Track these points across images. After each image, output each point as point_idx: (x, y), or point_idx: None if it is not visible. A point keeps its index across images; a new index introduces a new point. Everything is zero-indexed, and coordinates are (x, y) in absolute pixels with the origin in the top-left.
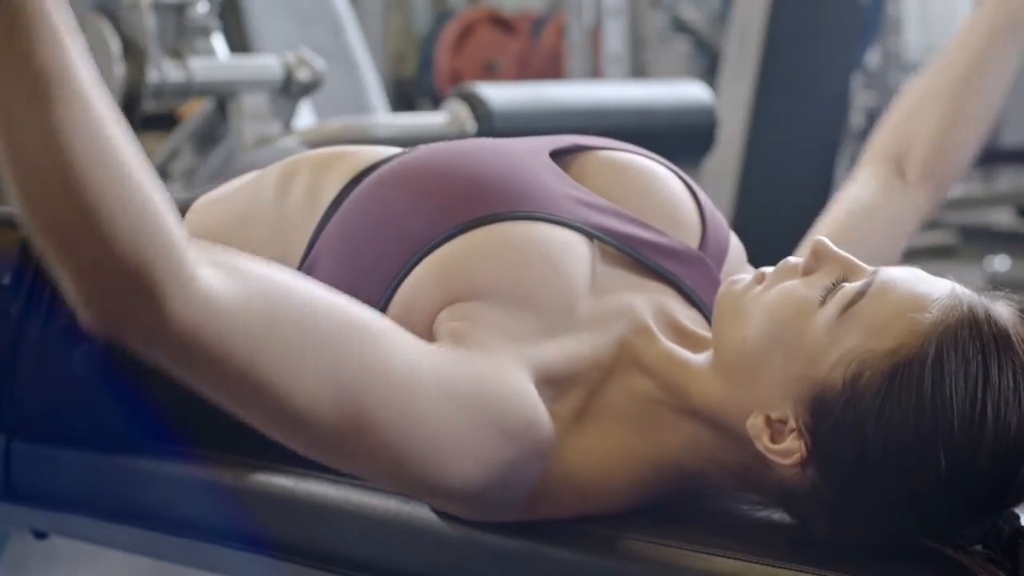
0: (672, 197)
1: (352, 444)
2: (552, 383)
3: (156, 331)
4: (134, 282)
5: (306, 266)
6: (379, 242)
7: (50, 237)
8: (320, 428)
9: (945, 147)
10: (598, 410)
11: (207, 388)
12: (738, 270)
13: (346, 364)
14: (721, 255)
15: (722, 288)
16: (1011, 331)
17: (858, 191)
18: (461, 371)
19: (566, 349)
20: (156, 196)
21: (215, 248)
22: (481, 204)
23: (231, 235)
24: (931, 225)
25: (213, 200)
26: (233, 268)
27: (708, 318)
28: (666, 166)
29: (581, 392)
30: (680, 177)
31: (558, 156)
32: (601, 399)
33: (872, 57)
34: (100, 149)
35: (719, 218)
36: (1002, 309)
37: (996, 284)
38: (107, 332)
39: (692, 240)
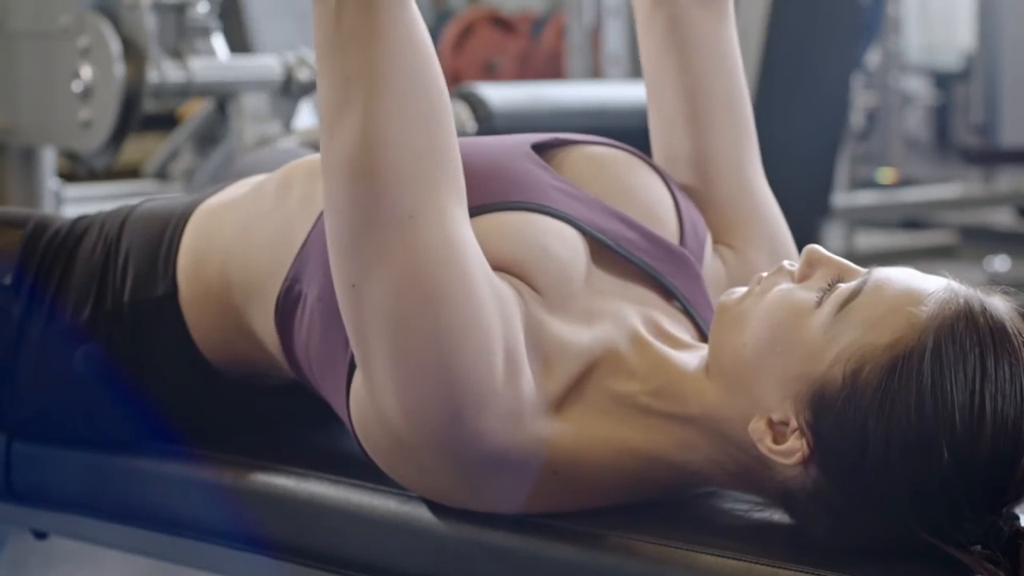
0: (652, 191)
1: (387, 239)
2: (540, 356)
3: None
4: None
5: (298, 261)
6: None
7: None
8: (380, 194)
9: None
10: (576, 401)
11: (334, 48)
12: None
13: (435, 173)
14: (700, 248)
15: (721, 299)
16: (1007, 323)
17: (664, 59)
18: (493, 276)
19: (556, 331)
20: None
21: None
22: (477, 195)
23: (238, 243)
24: (931, 225)
25: (219, 205)
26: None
27: (691, 315)
28: (644, 160)
29: (564, 379)
30: (657, 171)
31: (539, 150)
32: (582, 393)
33: (872, 57)
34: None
35: (695, 212)
36: (998, 302)
37: (996, 284)
38: None
39: (671, 234)
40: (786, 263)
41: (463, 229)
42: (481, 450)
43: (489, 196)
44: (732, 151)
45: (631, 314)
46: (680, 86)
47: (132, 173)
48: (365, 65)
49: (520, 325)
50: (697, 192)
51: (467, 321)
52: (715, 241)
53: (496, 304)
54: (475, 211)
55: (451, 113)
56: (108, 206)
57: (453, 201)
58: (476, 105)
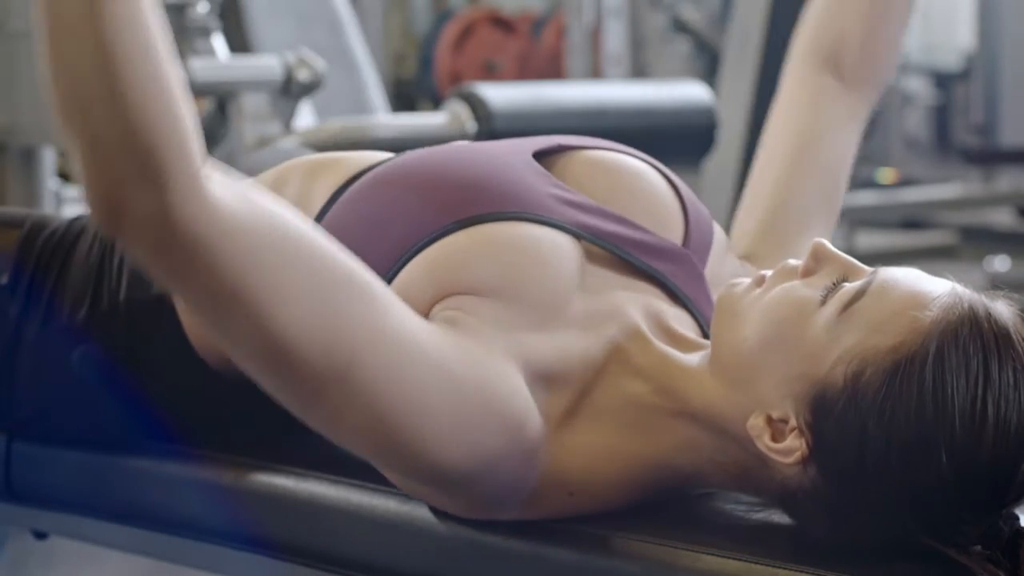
0: (655, 194)
1: (335, 398)
2: (542, 379)
3: (155, 217)
4: (143, 161)
5: None
6: (368, 243)
7: (71, 100)
8: (305, 371)
9: (878, 39)
10: (589, 411)
11: (192, 295)
12: (723, 261)
13: (343, 312)
14: (705, 249)
15: (722, 291)
16: (1011, 329)
17: (799, 113)
18: (455, 349)
19: (556, 346)
20: (181, 95)
21: (229, 172)
22: (468, 205)
23: None
24: (931, 225)
25: None
26: (244, 189)
27: (694, 314)
28: (648, 162)
29: (571, 391)
30: (662, 173)
31: (542, 156)
32: (592, 400)
33: None
34: (136, 23)
35: (701, 211)
36: (1002, 307)
37: (996, 284)
38: (106, 213)
39: (676, 235)
40: (791, 260)
41: (403, 330)
42: (497, 492)
43: (482, 207)
44: (806, 212)
45: (633, 313)
46: (792, 143)
47: None
48: (221, 288)
49: (512, 373)
50: (758, 233)
51: (452, 418)
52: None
53: (477, 373)
54: (467, 223)
55: (315, 240)
56: None
57: (376, 317)
58: (476, 105)
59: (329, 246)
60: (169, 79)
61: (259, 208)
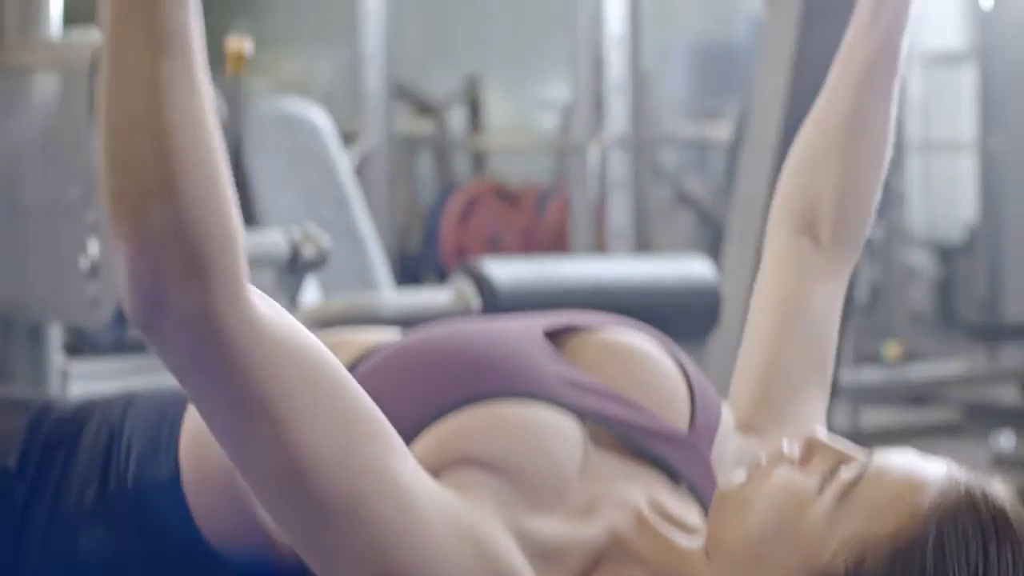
0: (662, 376)
1: (340, 531)
2: (540, 559)
3: (196, 315)
4: (192, 257)
5: None
6: None
7: (126, 191)
8: (316, 495)
9: (851, 200)
10: None
11: (216, 399)
12: (728, 440)
13: (362, 446)
14: (711, 431)
15: (720, 485)
16: (1008, 511)
17: (780, 282)
18: (460, 507)
19: (555, 530)
20: (232, 199)
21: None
22: (476, 384)
23: None
24: (935, 401)
25: None
26: (282, 312)
27: (699, 501)
28: (658, 343)
29: (570, 574)
30: (671, 354)
31: (552, 335)
32: None
33: (876, 231)
34: (197, 122)
35: (708, 393)
36: (998, 488)
37: (1002, 462)
38: (147, 308)
39: (683, 418)
40: (784, 446)
41: (413, 484)
42: None
43: (489, 385)
44: (800, 378)
45: (636, 497)
46: (779, 311)
47: (138, 345)
48: (245, 401)
49: (509, 545)
50: (753, 404)
51: (455, 568)
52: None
53: (480, 528)
54: (474, 400)
55: (334, 362)
56: (115, 383)
57: (390, 458)
58: (481, 283)
59: (354, 384)
60: (224, 182)
61: (294, 326)
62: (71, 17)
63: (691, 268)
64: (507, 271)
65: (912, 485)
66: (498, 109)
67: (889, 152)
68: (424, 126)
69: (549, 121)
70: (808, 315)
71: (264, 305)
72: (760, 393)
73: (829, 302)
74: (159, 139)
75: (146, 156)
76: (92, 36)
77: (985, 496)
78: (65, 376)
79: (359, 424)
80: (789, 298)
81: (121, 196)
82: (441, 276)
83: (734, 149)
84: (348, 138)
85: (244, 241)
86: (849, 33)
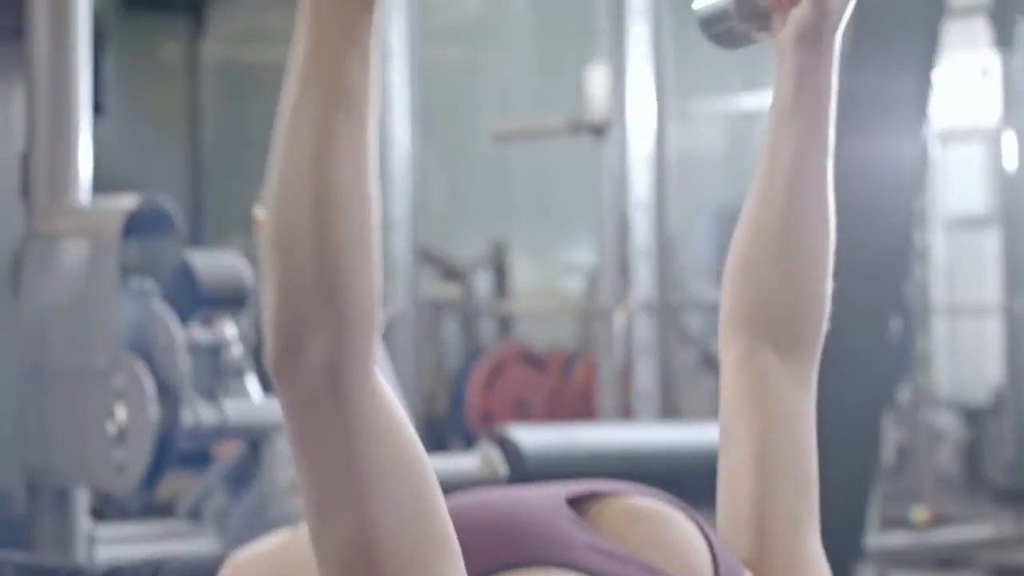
0: (686, 545)
1: None
2: None
3: (326, 366)
4: (332, 310)
5: None
6: None
7: (282, 231)
8: (374, 567)
9: (806, 299)
10: None
11: (316, 453)
12: None
13: (428, 555)
14: None
15: None
16: None
17: (752, 411)
18: None
19: None
20: (377, 262)
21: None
22: (500, 551)
23: None
24: (963, 565)
25: (251, 556)
26: (397, 401)
27: None
28: (681, 509)
29: None
30: (693, 520)
31: (575, 502)
32: None
33: (903, 393)
34: (359, 175)
35: (731, 560)
36: None
37: None
38: (283, 349)
39: None
40: None
41: None
42: None
43: (513, 553)
44: (791, 517)
45: None
46: (752, 442)
47: (165, 509)
48: (344, 465)
49: None
50: (752, 553)
51: None
52: None
53: None
54: (499, 568)
55: (431, 467)
56: (142, 547)
57: (455, 566)
58: (508, 449)
59: (442, 499)
60: (373, 241)
61: (401, 412)
62: (100, 184)
63: (716, 435)
64: (534, 437)
65: None
66: (524, 273)
67: (832, 236)
68: (450, 291)
69: (574, 285)
70: (784, 441)
71: (385, 383)
72: (755, 535)
73: (801, 416)
74: (322, 186)
75: (306, 199)
76: (121, 203)
77: None
78: (92, 540)
79: (436, 537)
80: (762, 430)
81: (277, 232)
82: (468, 441)
83: None
84: None
85: (380, 308)
86: (771, 125)
